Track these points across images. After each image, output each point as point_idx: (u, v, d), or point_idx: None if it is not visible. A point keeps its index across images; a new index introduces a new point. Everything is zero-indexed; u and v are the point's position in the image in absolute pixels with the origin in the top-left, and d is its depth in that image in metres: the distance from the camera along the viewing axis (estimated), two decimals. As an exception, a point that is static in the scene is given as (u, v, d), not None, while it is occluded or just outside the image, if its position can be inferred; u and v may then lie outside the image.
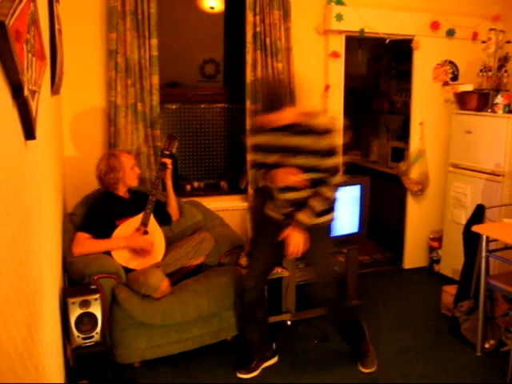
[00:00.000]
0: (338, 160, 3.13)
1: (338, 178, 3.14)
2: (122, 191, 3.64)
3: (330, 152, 3.06)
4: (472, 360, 3.64)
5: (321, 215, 3.19)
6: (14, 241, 1.28)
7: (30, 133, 1.55)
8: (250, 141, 3.43)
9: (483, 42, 4.80)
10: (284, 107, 3.05)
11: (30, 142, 1.61)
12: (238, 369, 3.47)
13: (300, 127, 3.03)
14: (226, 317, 3.61)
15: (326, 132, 3.03)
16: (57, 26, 2.83)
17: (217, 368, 3.50)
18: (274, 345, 3.63)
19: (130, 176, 3.63)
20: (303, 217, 3.13)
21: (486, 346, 3.71)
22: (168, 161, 3.70)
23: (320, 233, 3.25)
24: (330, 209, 3.25)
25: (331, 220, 3.32)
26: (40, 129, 1.82)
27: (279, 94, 3.17)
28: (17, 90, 1.32)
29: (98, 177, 3.59)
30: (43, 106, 2.07)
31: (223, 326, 3.61)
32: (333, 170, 3.10)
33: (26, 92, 1.38)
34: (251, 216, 4.34)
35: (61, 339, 2.67)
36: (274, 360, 3.59)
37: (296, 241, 3.14)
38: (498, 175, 4.46)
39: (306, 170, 3.08)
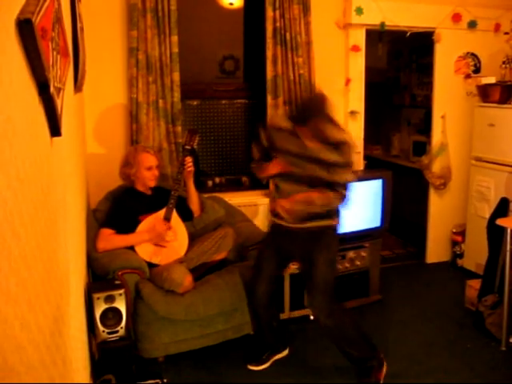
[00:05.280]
0: (351, 176, 3.04)
1: (348, 192, 3.05)
2: (141, 187, 3.66)
3: (346, 166, 2.99)
4: (496, 355, 3.61)
5: (323, 218, 3.13)
6: (42, 237, 1.30)
7: (55, 129, 1.57)
8: (267, 136, 3.25)
9: (506, 33, 4.74)
10: (315, 122, 2.93)
11: (55, 138, 1.63)
12: (249, 361, 3.50)
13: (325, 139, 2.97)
14: (248, 311, 3.61)
15: (342, 144, 2.97)
16: (79, 25, 2.85)
17: (240, 362, 3.51)
18: (283, 338, 3.65)
19: (143, 176, 3.61)
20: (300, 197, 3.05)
21: (511, 340, 3.68)
22: (189, 159, 3.67)
23: (321, 237, 3.18)
24: (333, 213, 3.16)
25: (335, 226, 3.21)
26: (64, 126, 1.84)
27: (315, 108, 2.97)
28: (43, 87, 1.34)
29: (119, 169, 3.64)
30: (67, 103, 2.09)
31: (246, 320, 3.61)
32: (344, 185, 3.02)
33: (51, 89, 1.40)
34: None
35: (86, 334, 2.70)
36: (285, 353, 3.61)
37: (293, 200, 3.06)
38: (522, 168, 4.41)
39: (320, 182, 3.02)
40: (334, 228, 3.21)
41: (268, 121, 3.24)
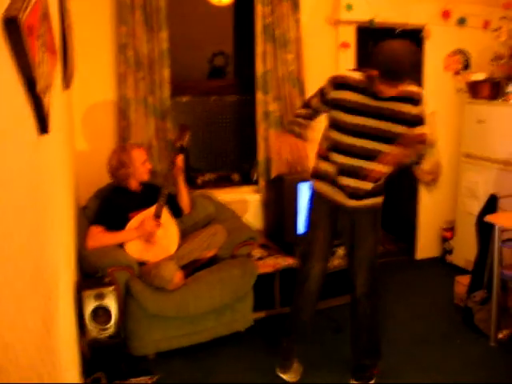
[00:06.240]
0: (428, 130, 2.89)
1: (424, 148, 2.91)
2: (133, 185, 3.65)
3: (422, 120, 2.88)
4: (486, 350, 3.63)
5: (374, 195, 3.03)
6: (30, 235, 1.29)
7: (43, 127, 1.56)
8: (327, 92, 2.94)
9: (495, 30, 4.76)
10: (403, 81, 2.68)
11: (43, 136, 1.62)
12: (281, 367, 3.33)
13: (400, 93, 2.77)
14: (239, 308, 3.62)
15: (421, 99, 2.85)
16: (67, 21, 2.84)
17: (231, 359, 3.52)
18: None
19: (140, 171, 3.63)
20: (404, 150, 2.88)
21: (500, 336, 3.70)
22: (179, 158, 3.67)
23: (370, 215, 3.07)
24: (382, 190, 3.09)
25: (381, 203, 3.12)
26: (52, 123, 1.83)
27: (405, 65, 2.61)
28: (30, 85, 1.33)
29: (109, 171, 3.61)
30: (55, 100, 2.08)
31: (236, 317, 3.62)
32: (421, 140, 2.88)
33: (38, 87, 1.39)
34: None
35: (76, 332, 2.69)
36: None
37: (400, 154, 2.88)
38: (511, 165, 4.43)
39: (395, 138, 2.85)
40: (380, 206, 3.13)
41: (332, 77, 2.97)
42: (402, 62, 2.59)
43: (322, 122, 3.08)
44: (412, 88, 2.86)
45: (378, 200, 3.10)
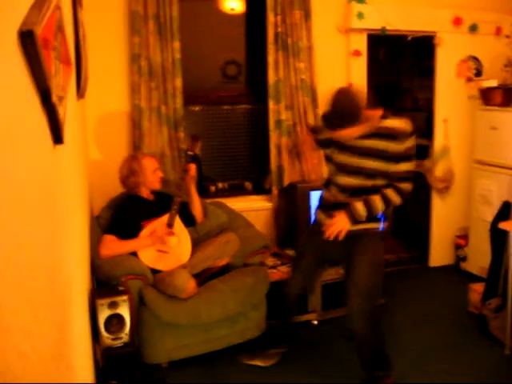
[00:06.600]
0: (412, 166, 2.94)
1: (408, 185, 2.94)
2: (145, 193, 3.67)
3: (405, 157, 2.89)
4: (500, 358, 3.60)
5: (371, 220, 3.02)
6: (45, 245, 1.30)
7: (58, 137, 1.57)
8: (318, 137, 3.31)
9: (507, 36, 4.75)
10: (355, 123, 2.79)
11: (58, 146, 1.64)
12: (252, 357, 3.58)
13: (379, 130, 2.88)
14: (252, 316, 3.62)
15: (406, 135, 2.85)
16: (81, 32, 2.86)
17: (244, 367, 3.51)
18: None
19: (151, 179, 3.65)
20: (359, 206, 2.94)
21: (515, 344, 3.67)
22: (192, 166, 3.70)
23: (366, 239, 3.07)
24: (382, 216, 3.09)
25: (380, 228, 3.09)
26: (67, 133, 1.85)
27: (350, 110, 2.78)
28: (45, 96, 1.35)
29: (121, 180, 3.64)
30: (70, 110, 2.10)
31: (249, 325, 3.62)
32: (403, 177, 2.91)
33: (53, 98, 1.41)
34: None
35: (90, 340, 2.71)
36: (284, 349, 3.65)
37: (340, 224, 2.95)
38: (525, 171, 4.41)
39: (375, 174, 2.95)
40: (379, 230, 3.10)
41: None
42: (338, 111, 2.79)
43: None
44: (395, 124, 2.89)
45: (373, 225, 3.08)
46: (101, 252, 3.34)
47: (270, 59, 4.43)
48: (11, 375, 0.90)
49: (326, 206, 3.18)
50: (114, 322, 2.91)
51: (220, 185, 4.94)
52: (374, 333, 3.17)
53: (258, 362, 3.54)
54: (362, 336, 3.16)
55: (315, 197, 4.07)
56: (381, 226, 3.10)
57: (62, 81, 1.70)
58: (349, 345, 3.69)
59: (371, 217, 2.98)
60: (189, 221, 3.79)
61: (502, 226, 3.67)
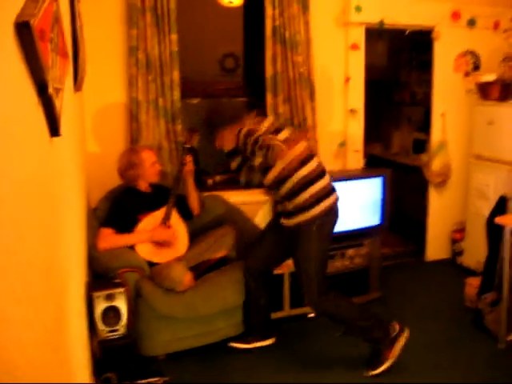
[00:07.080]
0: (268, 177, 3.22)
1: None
2: (143, 186, 3.68)
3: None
4: (495, 352, 3.62)
5: (294, 214, 3.22)
6: (44, 236, 1.31)
7: (54, 130, 1.57)
8: None
9: (505, 31, 4.74)
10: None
11: (55, 138, 1.64)
12: (234, 340, 3.63)
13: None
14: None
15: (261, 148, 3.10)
16: (78, 24, 2.85)
17: (242, 360, 3.53)
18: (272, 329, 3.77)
19: (150, 172, 3.66)
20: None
21: (509, 337, 3.69)
22: (189, 159, 3.69)
23: (299, 233, 3.24)
24: (307, 206, 3.18)
25: (311, 219, 3.19)
26: (64, 126, 1.85)
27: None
28: (42, 88, 1.35)
29: (119, 173, 3.64)
30: (67, 103, 2.10)
31: (246, 318, 3.63)
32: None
33: (50, 90, 1.41)
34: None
35: (87, 332, 2.71)
36: (270, 341, 3.69)
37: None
38: (522, 166, 4.42)
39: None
40: (310, 222, 3.19)
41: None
42: None
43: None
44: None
45: (303, 218, 3.20)
46: (98, 245, 3.34)
47: (268, 52, 4.42)
48: (11, 366, 0.90)
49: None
50: (111, 314, 2.92)
51: (217, 178, 4.93)
52: (337, 309, 3.32)
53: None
54: (330, 317, 3.37)
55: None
56: (311, 214, 3.18)
57: (58, 73, 1.70)
58: (345, 337, 3.71)
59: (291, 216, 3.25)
60: (186, 214, 3.79)
61: (498, 220, 3.68)
